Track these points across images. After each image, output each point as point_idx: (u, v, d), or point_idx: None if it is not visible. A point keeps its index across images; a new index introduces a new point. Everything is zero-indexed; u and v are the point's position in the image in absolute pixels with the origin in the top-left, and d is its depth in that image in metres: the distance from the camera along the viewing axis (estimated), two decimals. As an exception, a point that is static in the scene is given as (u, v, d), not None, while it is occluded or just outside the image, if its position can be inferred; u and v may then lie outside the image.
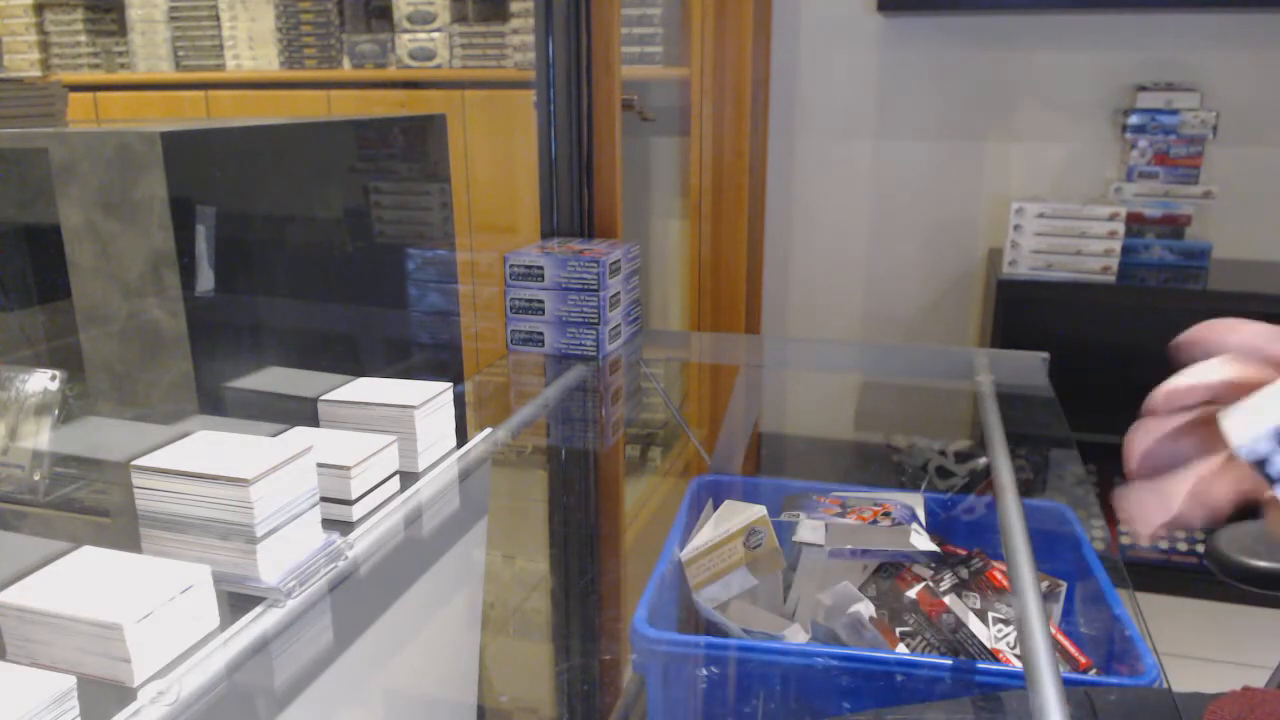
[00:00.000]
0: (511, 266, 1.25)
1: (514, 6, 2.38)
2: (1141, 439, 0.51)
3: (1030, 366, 1.29)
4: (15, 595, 0.52)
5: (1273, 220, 2.28)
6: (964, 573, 1.19)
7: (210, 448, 0.63)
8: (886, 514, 1.19)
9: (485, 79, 2.41)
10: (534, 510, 1.43)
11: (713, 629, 1.14)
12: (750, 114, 2.26)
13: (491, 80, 2.40)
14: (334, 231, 0.97)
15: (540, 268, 1.24)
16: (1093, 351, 2.42)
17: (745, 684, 1.05)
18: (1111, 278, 2.10)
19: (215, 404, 0.76)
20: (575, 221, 1.43)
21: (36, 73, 2.74)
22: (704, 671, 1.06)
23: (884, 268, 2.50)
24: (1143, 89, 2.18)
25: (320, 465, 0.66)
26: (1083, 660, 1.08)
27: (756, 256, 2.52)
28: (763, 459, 2.65)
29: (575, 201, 1.42)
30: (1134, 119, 2.17)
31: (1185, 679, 0.80)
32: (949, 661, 1.01)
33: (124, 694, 0.50)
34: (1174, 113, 2.14)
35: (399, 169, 1.06)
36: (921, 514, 1.22)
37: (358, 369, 0.89)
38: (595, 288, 1.25)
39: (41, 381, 0.82)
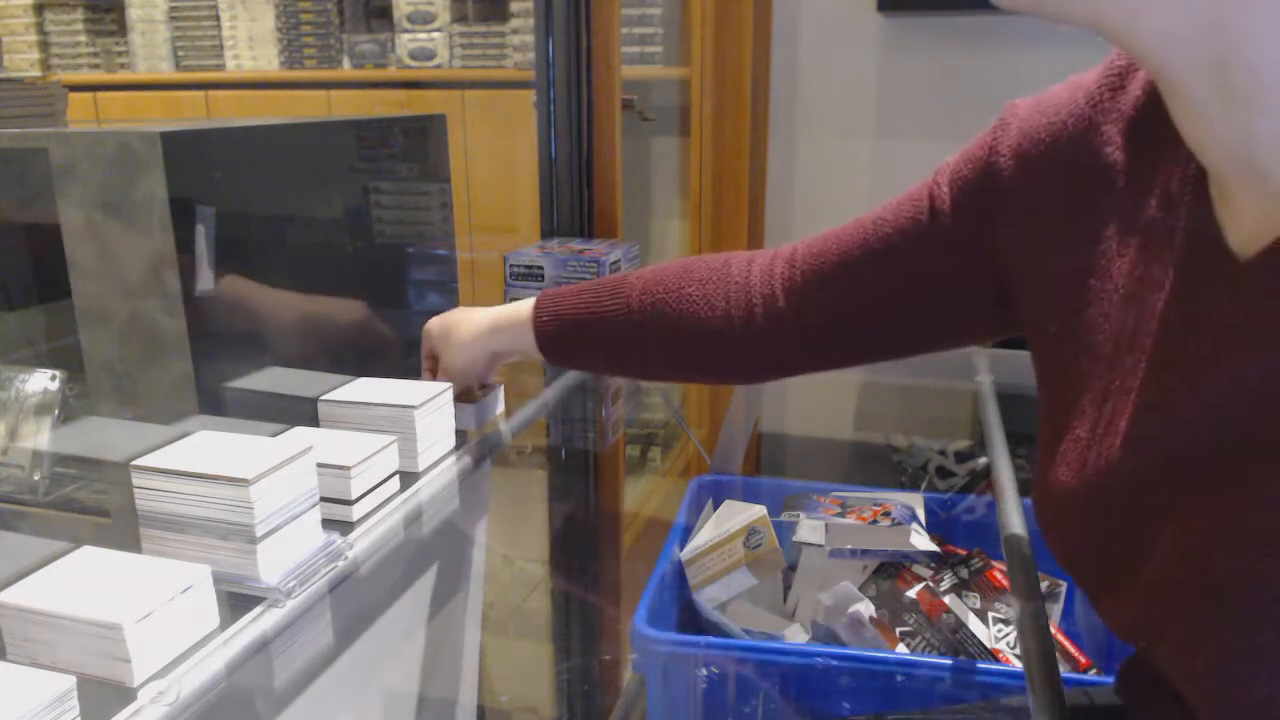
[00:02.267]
0: (511, 266, 1.25)
1: (514, 6, 2.38)
2: None
3: (1030, 366, 1.29)
4: (15, 595, 0.52)
5: (1273, 220, 2.28)
6: (964, 573, 1.19)
7: (210, 448, 0.63)
8: (886, 514, 1.19)
9: (485, 79, 2.41)
10: (534, 510, 1.43)
11: (713, 629, 1.14)
12: (750, 114, 2.26)
13: (491, 80, 2.40)
14: (334, 231, 0.97)
15: (540, 268, 1.24)
16: (1093, 351, 2.42)
17: (745, 684, 1.05)
18: (1111, 278, 2.10)
19: (215, 404, 0.76)
20: (575, 221, 1.43)
21: (36, 73, 2.74)
22: (704, 671, 1.06)
23: (884, 268, 2.50)
24: (1143, 89, 2.18)
25: (320, 465, 0.66)
26: (1083, 660, 1.08)
27: (756, 256, 2.51)
28: (763, 459, 2.65)
29: (575, 201, 1.42)
30: (1134, 119, 2.17)
31: (1185, 679, 0.79)
32: (949, 661, 1.02)
33: (124, 694, 0.50)
34: (1174, 113, 2.14)
35: (399, 169, 1.06)
36: (921, 514, 1.22)
37: (358, 369, 0.89)
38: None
39: (41, 381, 0.82)
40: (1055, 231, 0.59)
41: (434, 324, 0.90)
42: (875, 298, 0.71)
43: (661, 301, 0.77)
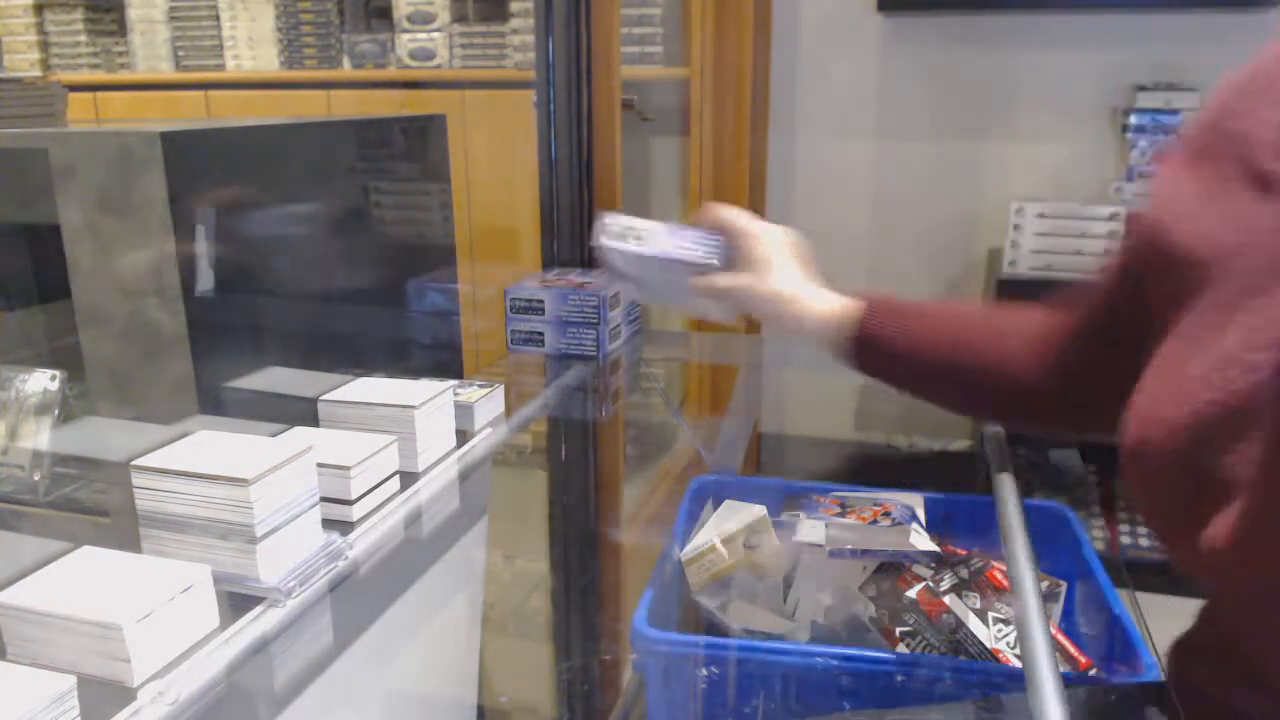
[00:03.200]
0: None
1: (514, 6, 2.38)
2: None
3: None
4: (15, 595, 0.52)
5: (1273, 220, 2.28)
6: (964, 573, 1.19)
7: (210, 448, 0.63)
8: (886, 514, 1.19)
9: (485, 79, 2.41)
10: (534, 510, 1.43)
11: (713, 629, 1.14)
12: (750, 114, 2.26)
13: (491, 80, 2.40)
14: (334, 231, 0.97)
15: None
16: (1093, 351, 2.42)
17: (745, 684, 1.05)
18: (1111, 278, 2.10)
19: (215, 404, 0.76)
20: (575, 221, 1.43)
21: (36, 73, 2.74)
22: (704, 671, 1.06)
23: (884, 268, 2.50)
24: (1142, 89, 2.18)
25: (320, 465, 0.66)
26: (1083, 660, 1.08)
27: (756, 256, 2.51)
28: (763, 459, 2.65)
29: (575, 202, 1.42)
30: (1134, 119, 2.17)
31: (1185, 679, 0.79)
32: (949, 661, 1.02)
33: (124, 694, 0.50)
34: (1174, 113, 2.14)
35: (399, 169, 1.06)
36: (921, 514, 1.22)
37: (358, 369, 0.89)
38: (595, 287, 1.24)
39: (41, 381, 0.82)
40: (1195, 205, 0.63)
41: (745, 249, 1.02)
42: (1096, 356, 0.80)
43: (964, 349, 0.88)
